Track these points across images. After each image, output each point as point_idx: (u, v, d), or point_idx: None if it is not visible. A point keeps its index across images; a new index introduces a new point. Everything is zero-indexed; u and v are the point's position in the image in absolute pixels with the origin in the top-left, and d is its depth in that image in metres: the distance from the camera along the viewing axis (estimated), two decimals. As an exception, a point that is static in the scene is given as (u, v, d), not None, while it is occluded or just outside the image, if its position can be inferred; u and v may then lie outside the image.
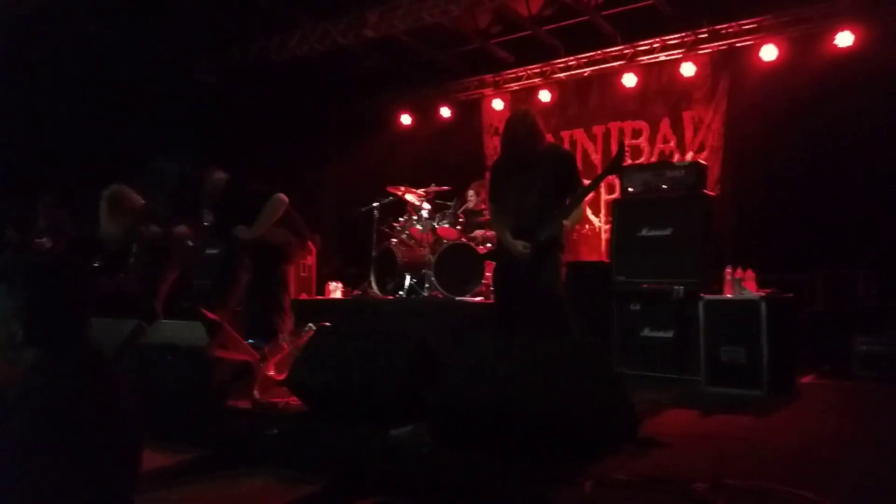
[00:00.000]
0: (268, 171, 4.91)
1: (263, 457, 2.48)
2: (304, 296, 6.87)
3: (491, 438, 2.52)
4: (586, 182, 3.89)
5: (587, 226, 7.36)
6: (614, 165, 3.76)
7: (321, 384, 3.16)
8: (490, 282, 5.82)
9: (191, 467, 2.42)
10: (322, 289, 7.24)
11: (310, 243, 6.48)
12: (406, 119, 8.75)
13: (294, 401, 3.37)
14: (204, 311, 3.96)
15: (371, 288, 6.63)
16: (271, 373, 3.77)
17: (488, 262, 5.98)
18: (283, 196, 4.46)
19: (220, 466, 2.41)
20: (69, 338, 1.63)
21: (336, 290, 7.16)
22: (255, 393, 3.47)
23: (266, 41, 7.59)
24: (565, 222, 3.62)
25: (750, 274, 4.06)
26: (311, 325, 4.15)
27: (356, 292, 7.06)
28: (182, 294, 5.39)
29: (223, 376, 3.23)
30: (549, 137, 3.99)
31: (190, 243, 5.80)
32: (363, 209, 7.02)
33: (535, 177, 3.65)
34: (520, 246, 3.64)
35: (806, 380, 4.25)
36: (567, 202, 3.65)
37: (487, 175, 6.19)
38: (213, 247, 6.61)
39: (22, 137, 6.87)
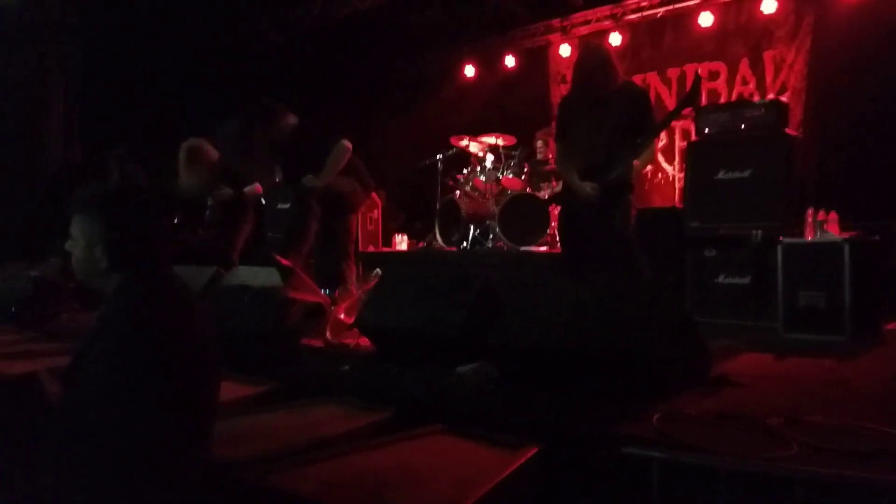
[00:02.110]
0: (332, 128, 4.98)
1: (335, 389, 2.57)
2: (371, 248, 7.00)
3: (557, 377, 2.52)
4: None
5: (660, 174, 7.12)
6: (690, 98, 3.59)
7: (389, 325, 3.23)
8: (555, 231, 5.77)
9: (266, 397, 2.53)
10: (388, 241, 7.36)
11: (374, 195, 6.57)
12: (470, 70, 8.63)
13: (364, 342, 3.46)
14: (277, 257, 4.11)
15: (436, 240, 6.68)
16: (342, 316, 3.88)
17: (553, 211, 5.91)
18: (347, 143, 4.52)
19: (295, 396, 2.51)
20: (151, 263, 1.70)
21: (402, 243, 7.27)
22: (327, 334, 3.59)
23: (329, -3, 7.60)
24: (636, 162, 3.51)
25: (833, 216, 3.85)
26: (378, 270, 4.23)
27: (421, 244, 7.14)
28: (256, 246, 5.60)
29: (297, 316, 3.34)
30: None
31: (262, 201, 5.98)
32: (427, 162, 7.03)
33: (607, 114, 3.52)
34: (588, 188, 3.56)
35: (891, 326, 4.03)
36: (638, 140, 3.53)
37: (554, 123, 6.07)
38: (284, 202, 6.81)
39: (94, 95, 7.20)
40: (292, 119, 4.69)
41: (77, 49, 7.37)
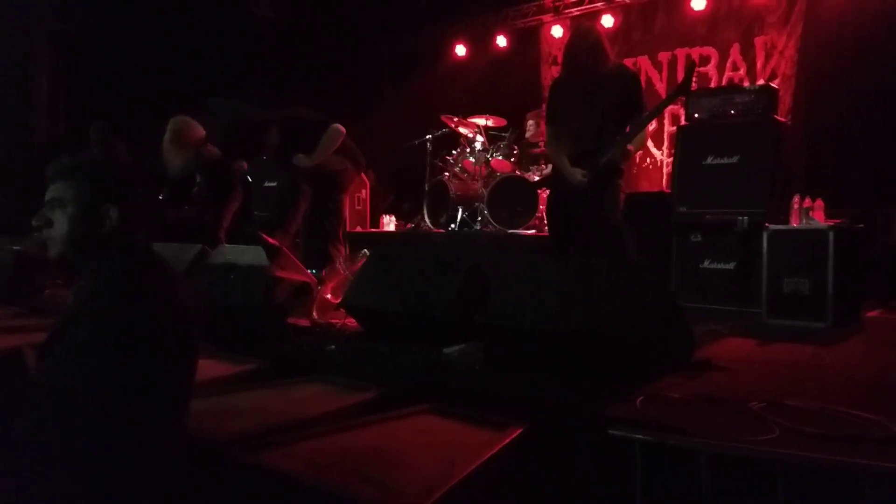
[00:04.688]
0: (323, 106, 4.93)
1: (322, 368, 2.57)
2: (358, 228, 6.98)
3: (542, 358, 2.53)
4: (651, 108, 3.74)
5: (648, 159, 7.13)
6: (682, 88, 3.57)
7: (376, 305, 3.22)
8: (543, 215, 5.77)
9: (252, 375, 2.52)
10: (376, 222, 7.33)
11: (363, 175, 6.53)
12: (461, 50, 8.56)
13: (351, 322, 3.46)
14: (264, 235, 4.08)
15: (424, 221, 6.67)
16: (328, 296, 3.87)
17: (542, 194, 5.90)
18: (340, 126, 4.49)
19: (280, 375, 2.51)
20: (129, 238, 1.66)
21: (390, 224, 7.25)
22: (314, 314, 3.58)
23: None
24: (629, 147, 3.50)
25: (819, 203, 3.87)
26: (365, 251, 4.21)
27: (409, 225, 7.12)
28: (243, 223, 5.55)
29: (284, 294, 3.33)
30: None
31: (249, 178, 5.92)
32: (416, 142, 6.99)
33: (598, 98, 3.51)
34: (578, 175, 3.56)
35: (872, 314, 4.09)
36: (628, 128, 3.52)
37: (545, 106, 6.03)
38: (271, 180, 6.75)
39: (79, 68, 7.07)
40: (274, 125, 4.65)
41: (63, 22, 7.21)
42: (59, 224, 1.61)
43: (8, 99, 7.05)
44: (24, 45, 7.09)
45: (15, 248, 4.65)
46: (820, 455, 1.62)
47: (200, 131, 4.91)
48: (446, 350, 2.76)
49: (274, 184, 6.40)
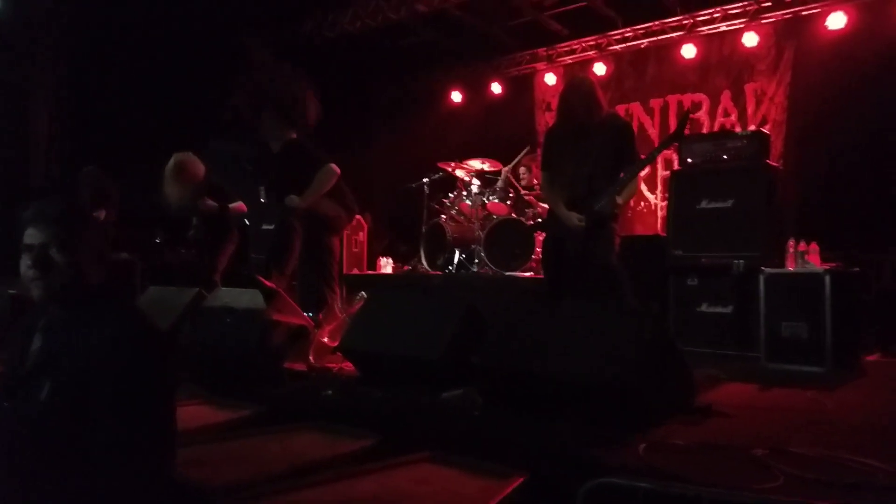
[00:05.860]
0: (322, 149, 4.99)
1: (318, 414, 2.53)
2: (355, 271, 6.97)
3: (541, 403, 2.51)
4: (644, 155, 3.81)
5: (642, 203, 7.20)
6: (677, 134, 3.63)
7: (373, 349, 3.20)
8: (540, 256, 5.79)
9: (249, 422, 2.49)
10: (373, 264, 7.33)
11: (358, 217, 6.56)
12: (456, 96, 8.72)
13: (347, 366, 3.43)
14: (260, 278, 4.07)
15: (421, 263, 6.67)
16: (325, 339, 3.84)
17: (538, 237, 5.93)
18: (335, 167, 4.51)
19: (277, 421, 2.48)
20: (93, 288, 1.63)
21: (387, 266, 7.25)
22: (311, 358, 3.54)
23: (319, 18, 7.65)
24: (618, 199, 3.54)
25: (814, 247, 3.91)
26: (363, 293, 4.20)
27: (406, 268, 7.12)
28: (240, 266, 5.54)
29: (280, 338, 3.30)
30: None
31: (246, 221, 5.94)
32: (413, 185, 7.04)
33: (591, 146, 3.57)
34: (574, 218, 3.59)
35: (871, 358, 4.08)
36: (622, 175, 3.57)
37: (540, 152, 6.12)
38: (269, 223, 6.77)
39: (79, 112, 7.15)
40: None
41: (62, 66, 7.32)
42: (59, 266, 1.59)
43: (4, 141, 7.09)
44: (22, 87, 7.17)
45: (10, 291, 4.61)
46: (824, 503, 1.59)
47: (201, 170, 4.95)
48: (444, 395, 2.73)
49: (271, 227, 6.42)
